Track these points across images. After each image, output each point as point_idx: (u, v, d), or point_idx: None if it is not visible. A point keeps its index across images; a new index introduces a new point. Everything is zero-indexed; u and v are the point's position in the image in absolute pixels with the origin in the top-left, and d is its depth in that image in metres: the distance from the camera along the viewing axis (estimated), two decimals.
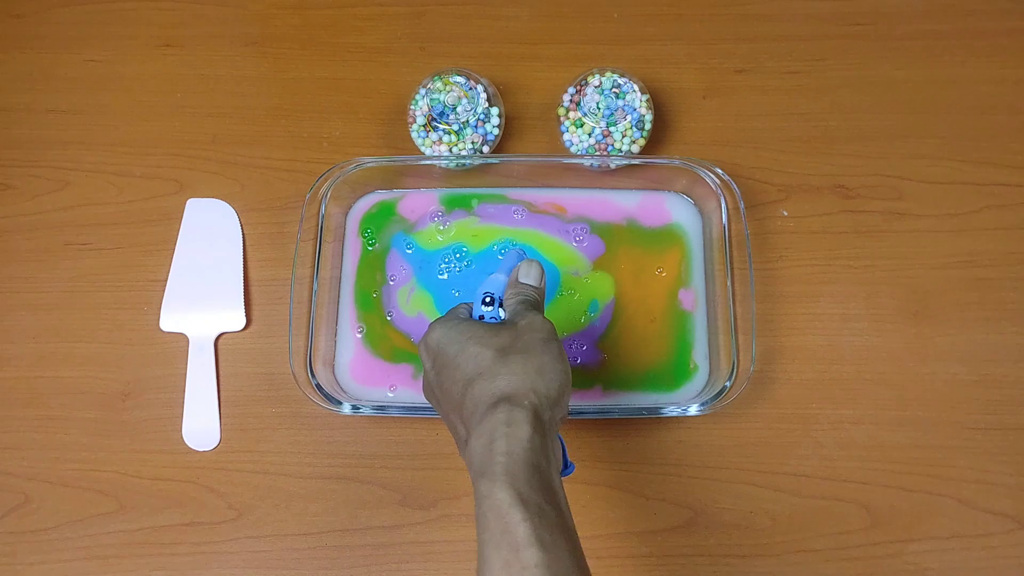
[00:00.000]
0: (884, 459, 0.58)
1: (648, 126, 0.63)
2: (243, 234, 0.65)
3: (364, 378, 0.60)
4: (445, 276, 0.62)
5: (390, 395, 0.59)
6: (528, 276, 0.48)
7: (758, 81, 0.69)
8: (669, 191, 0.64)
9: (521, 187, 0.64)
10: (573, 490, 0.57)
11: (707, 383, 0.59)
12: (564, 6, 0.72)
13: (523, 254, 0.52)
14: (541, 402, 0.40)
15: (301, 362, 0.56)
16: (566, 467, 0.45)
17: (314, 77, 0.70)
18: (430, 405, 0.47)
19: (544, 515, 0.36)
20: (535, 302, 0.47)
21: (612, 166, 0.63)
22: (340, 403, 0.56)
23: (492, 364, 0.41)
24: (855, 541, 0.56)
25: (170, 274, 0.63)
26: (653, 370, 0.59)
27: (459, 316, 0.46)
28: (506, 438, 0.38)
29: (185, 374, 0.60)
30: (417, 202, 0.64)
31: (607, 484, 0.58)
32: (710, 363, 0.59)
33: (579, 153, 0.64)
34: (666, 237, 0.62)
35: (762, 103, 0.68)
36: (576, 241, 0.62)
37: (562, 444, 0.45)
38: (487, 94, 0.63)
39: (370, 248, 0.63)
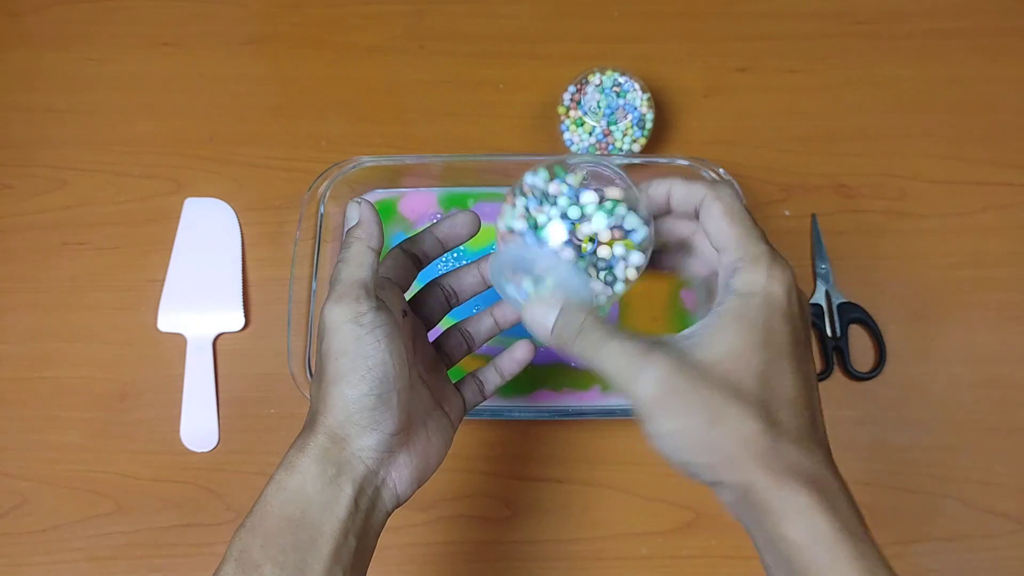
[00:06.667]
0: (886, 459, 0.58)
1: (649, 125, 0.63)
2: (241, 234, 0.64)
3: None
4: None
5: None
6: None
7: (759, 80, 0.69)
8: None
9: None
10: (573, 491, 0.57)
11: None
12: (564, 4, 0.71)
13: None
14: None
15: (300, 362, 0.56)
16: None
17: (313, 76, 0.69)
18: None
19: None
20: None
21: None
22: None
23: None
24: None
25: (168, 274, 0.63)
26: None
27: None
28: None
29: (183, 375, 0.60)
30: (416, 201, 0.64)
31: (607, 485, 0.58)
32: None
33: (579, 152, 0.63)
34: None
35: (764, 102, 0.68)
36: None
37: None
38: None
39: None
